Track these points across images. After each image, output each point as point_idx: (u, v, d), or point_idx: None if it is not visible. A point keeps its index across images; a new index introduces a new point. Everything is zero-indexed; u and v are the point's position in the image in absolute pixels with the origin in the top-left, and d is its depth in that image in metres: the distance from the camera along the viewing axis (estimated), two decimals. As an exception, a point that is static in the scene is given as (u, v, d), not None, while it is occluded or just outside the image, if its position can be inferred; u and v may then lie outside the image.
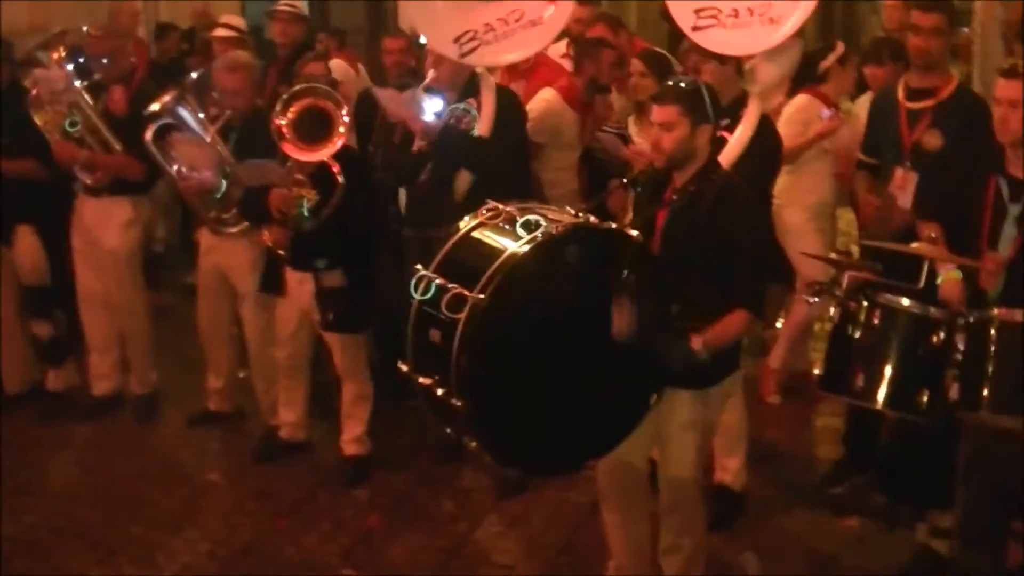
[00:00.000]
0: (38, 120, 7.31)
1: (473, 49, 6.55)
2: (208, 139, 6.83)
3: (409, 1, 7.05)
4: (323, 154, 6.20)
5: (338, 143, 6.18)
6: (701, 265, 4.71)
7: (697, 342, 4.60)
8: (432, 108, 6.35)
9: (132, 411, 7.80)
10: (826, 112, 7.18)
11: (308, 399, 7.03)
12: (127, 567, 5.98)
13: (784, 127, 7.18)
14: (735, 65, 6.18)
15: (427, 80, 6.58)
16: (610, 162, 6.56)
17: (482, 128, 6.45)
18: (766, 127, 6.02)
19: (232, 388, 7.61)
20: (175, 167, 6.91)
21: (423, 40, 7.20)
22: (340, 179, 6.27)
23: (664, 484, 5.06)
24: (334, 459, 6.85)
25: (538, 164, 7.25)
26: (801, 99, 7.34)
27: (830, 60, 7.34)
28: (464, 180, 6.47)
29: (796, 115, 7.28)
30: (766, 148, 5.98)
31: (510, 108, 6.67)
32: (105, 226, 7.49)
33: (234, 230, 6.99)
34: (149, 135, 6.96)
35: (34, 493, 6.78)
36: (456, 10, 6.62)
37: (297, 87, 6.32)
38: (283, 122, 6.14)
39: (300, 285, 6.58)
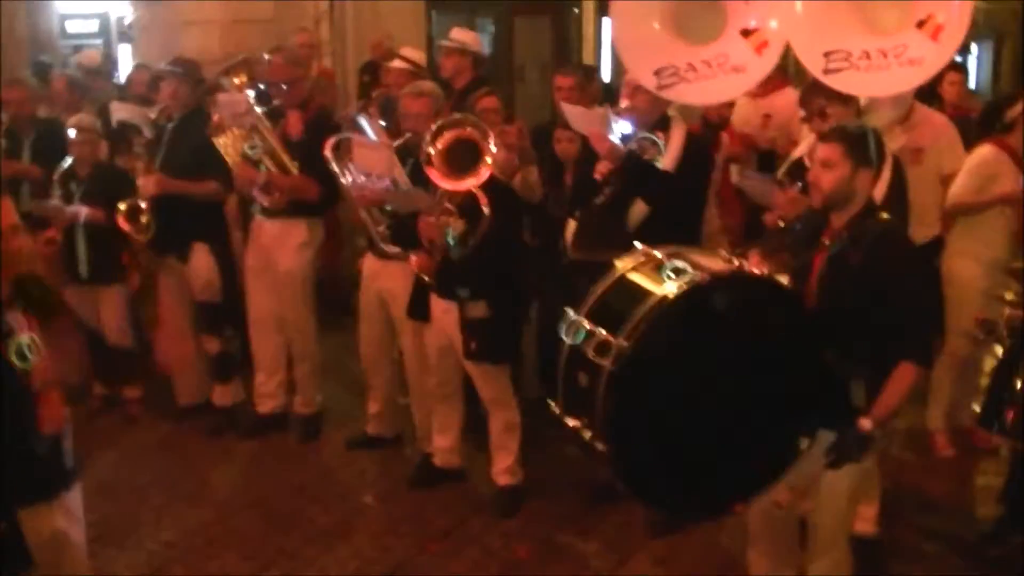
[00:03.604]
0: (219, 143, 7.55)
1: (672, 84, 6.61)
2: (384, 153, 6.88)
3: (620, 23, 7.07)
4: (468, 184, 6.23)
5: (484, 174, 6.19)
6: (860, 312, 4.63)
7: (865, 423, 4.59)
8: (620, 130, 6.40)
9: (295, 431, 7.96)
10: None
11: (462, 426, 7.07)
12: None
13: (965, 178, 7.05)
14: (856, 108, 6.13)
15: (620, 106, 6.64)
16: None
17: (667, 163, 6.46)
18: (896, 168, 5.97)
19: (391, 413, 7.71)
20: (351, 177, 6.99)
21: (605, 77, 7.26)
22: (487, 210, 6.28)
23: (813, 529, 5.00)
24: (488, 488, 6.89)
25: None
26: (986, 151, 7.15)
27: (1017, 109, 7.12)
28: (639, 210, 6.44)
29: (979, 168, 7.11)
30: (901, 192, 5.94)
31: (698, 151, 6.68)
32: (280, 247, 7.68)
33: (395, 250, 7.03)
34: (329, 147, 7.07)
35: (197, 503, 6.97)
36: (663, 43, 6.71)
37: (448, 118, 6.37)
38: (432, 151, 6.20)
39: (446, 314, 6.62)
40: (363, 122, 7.11)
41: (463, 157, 6.23)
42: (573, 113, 6.73)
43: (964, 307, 6.92)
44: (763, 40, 6.58)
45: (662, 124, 6.59)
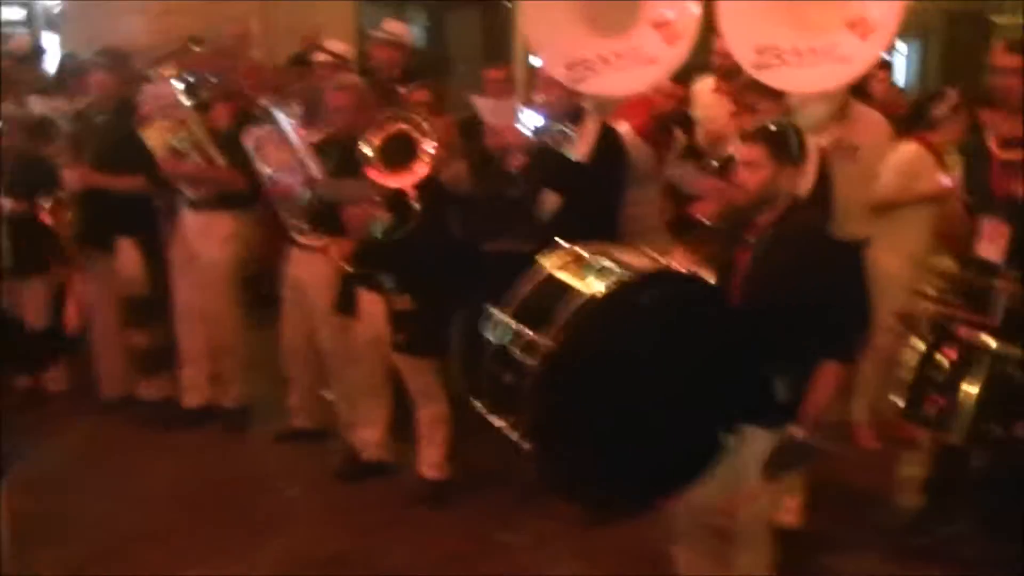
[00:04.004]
0: (146, 135, 7.49)
1: (584, 77, 6.72)
2: (298, 146, 6.91)
3: (533, 17, 7.16)
4: (405, 181, 6.25)
5: (421, 172, 6.23)
6: (784, 309, 4.65)
7: (797, 431, 4.67)
8: (532, 122, 6.44)
9: (223, 424, 7.92)
10: (946, 180, 7.00)
11: (390, 419, 7.08)
12: (209, 572, 6.07)
13: (888, 176, 7.12)
14: (785, 105, 6.24)
15: (535, 100, 6.72)
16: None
17: (579, 154, 6.54)
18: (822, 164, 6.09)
19: (315, 405, 7.69)
20: (266, 170, 7.05)
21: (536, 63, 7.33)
22: (416, 205, 6.30)
23: (737, 523, 5.02)
24: (416, 482, 6.87)
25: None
26: (910, 149, 7.24)
27: (943, 108, 7.21)
28: (551, 201, 6.52)
29: (904, 165, 7.20)
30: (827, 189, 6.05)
31: (611, 143, 6.75)
32: (206, 239, 7.65)
33: (314, 243, 7.05)
34: (251, 139, 7.10)
35: (124, 499, 6.87)
36: (576, 36, 6.83)
37: (387, 113, 6.39)
38: (369, 147, 6.23)
39: (373, 306, 6.64)
40: (278, 115, 7.08)
41: (398, 151, 6.25)
42: (485, 106, 6.79)
43: (888, 302, 6.97)
44: (675, 32, 6.73)
45: (576, 117, 6.68)
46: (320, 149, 6.96)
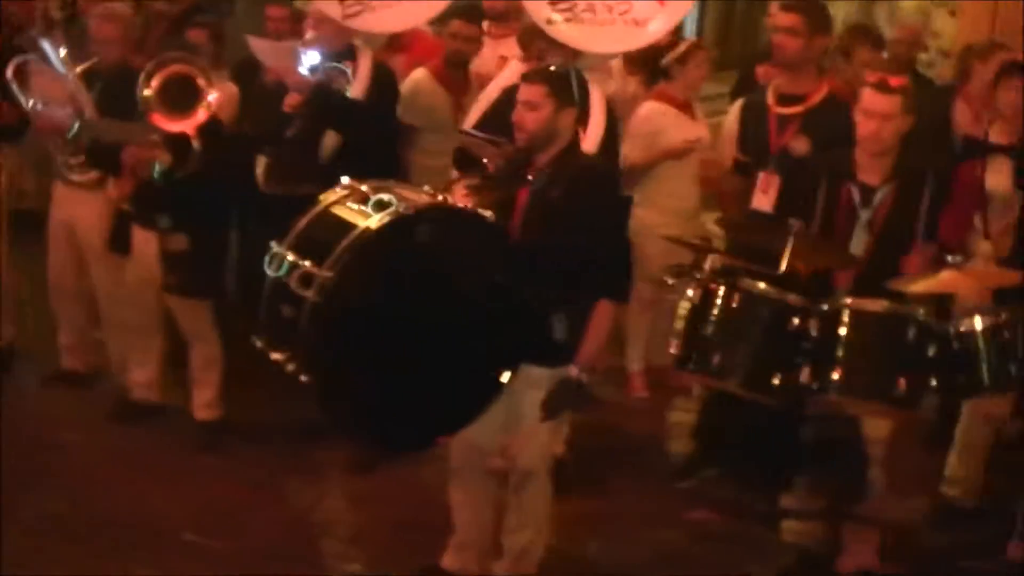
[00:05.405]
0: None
1: (357, 13, 6.69)
2: (66, 77, 6.69)
3: None
4: (188, 125, 6.16)
5: (203, 115, 6.14)
6: (559, 247, 4.74)
7: (574, 370, 4.77)
8: (308, 62, 6.38)
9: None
10: (694, 132, 7.19)
11: (162, 360, 6.97)
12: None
13: (633, 138, 7.19)
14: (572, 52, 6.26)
15: (306, 38, 6.64)
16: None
17: (356, 91, 6.52)
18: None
19: (85, 345, 7.47)
20: (31, 102, 6.80)
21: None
22: (195, 146, 6.21)
23: (518, 462, 5.09)
24: (189, 423, 6.77)
25: (412, 149, 7.22)
26: (647, 107, 7.32)
27: (670, 57, 7.27)
28: (331, 140, 6.46)
29: (644, 124, 7.28)
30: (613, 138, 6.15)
31: (385, 79, 6.76)
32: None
33: (81, 179, 6.89)
34: (10, 69, 6.83)
35: None
36: None
37: (162, 57, 6.25)
38: (149, 93, 6.11)
39: (147, 245, 6.52)
40: (45, 46, 6.83)
41: (180, 94, 6.15)
42: (260, 47, 6.69)
43: (648, 253, 7.02)
44: None
45: (349, 54, 6.65)
46: (85, 79, 6.74)
